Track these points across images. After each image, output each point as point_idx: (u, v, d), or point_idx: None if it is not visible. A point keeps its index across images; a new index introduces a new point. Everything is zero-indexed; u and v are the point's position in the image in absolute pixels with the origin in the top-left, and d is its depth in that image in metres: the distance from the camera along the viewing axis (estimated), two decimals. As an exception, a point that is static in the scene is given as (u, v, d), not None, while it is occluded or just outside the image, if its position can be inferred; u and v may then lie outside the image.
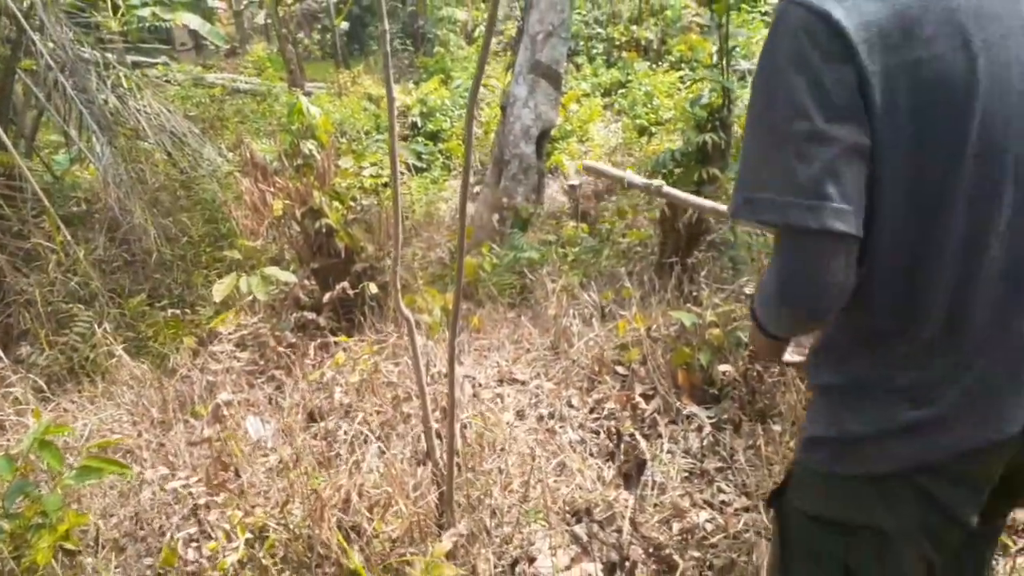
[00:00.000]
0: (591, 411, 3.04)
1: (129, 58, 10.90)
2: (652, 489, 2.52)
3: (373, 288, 4.37)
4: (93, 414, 3.80)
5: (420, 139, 10.80)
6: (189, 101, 10.50)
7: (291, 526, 2.17)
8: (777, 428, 2.65)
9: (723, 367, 2.79)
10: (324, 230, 4.66)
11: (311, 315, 4.71)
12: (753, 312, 1.29)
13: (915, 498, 1.18)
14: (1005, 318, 1.12)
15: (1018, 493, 1.29)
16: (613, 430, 2.76)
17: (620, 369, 3.25)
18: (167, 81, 10.59)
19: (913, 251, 1.08)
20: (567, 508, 2.38)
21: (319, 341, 4.05)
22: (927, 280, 1.10)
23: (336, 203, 4.79)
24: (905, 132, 1.03)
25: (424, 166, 10.65)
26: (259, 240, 4.57)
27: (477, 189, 10.55)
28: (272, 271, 3.96)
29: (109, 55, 6.87)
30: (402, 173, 10.29)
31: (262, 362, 3.94)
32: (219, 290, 3.81)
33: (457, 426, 2.39)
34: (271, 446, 3.21)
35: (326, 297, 4.65)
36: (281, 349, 4.10)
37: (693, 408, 2.80)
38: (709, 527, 2.30)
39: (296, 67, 14.15)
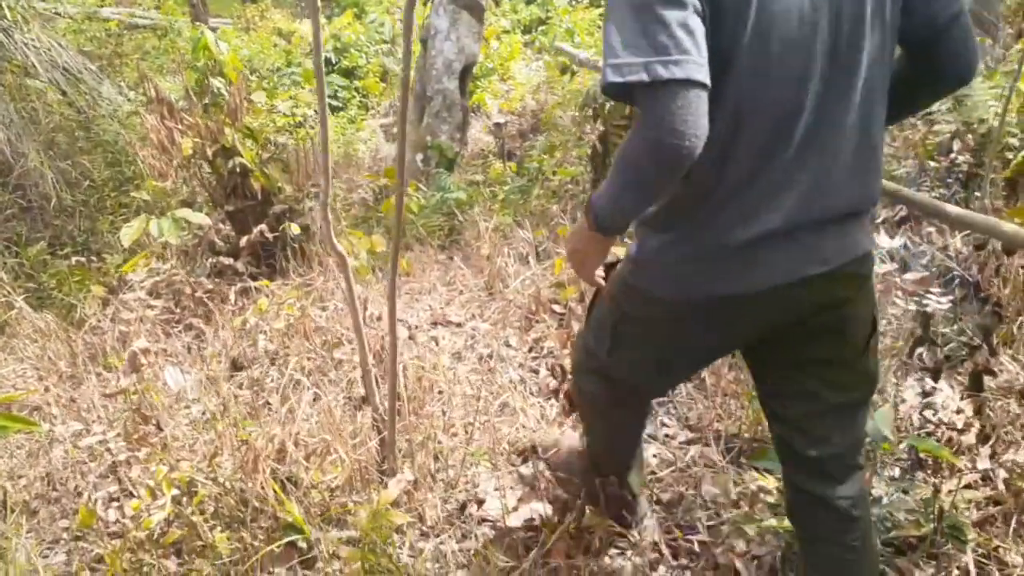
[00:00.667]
0: (530, 350, 2.97)
1: (11, -11, 10.04)
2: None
3: (295, 229, 4.16)
4: (-7, 370, 3.54)
5: (335, 76, 10.37)
6: (82, 35, 9.76)
7: (221, 479, 2.04)
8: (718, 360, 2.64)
9: None
10: (238, 170, 4.40)
11: (228, 260, 4.48)
12: (593, 212, 1.35)
13: (723, 322, 1.43)
14: (801, 168, 1.33)
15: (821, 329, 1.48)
16: (557, 368, 2.70)
17: (557, 308, 3.18)
18: (56, 14, 9.80)
19: (741, 104, 1.28)
20: (512, 448, 2.32)
21: (239, 287, 3.84)
22: (747, 132, 1.30)
23: (249, 142, 4.52)
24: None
25: (340, 105, 10.25)
26: (168, 182, 4.28)
27: (397, 129, 10.25)
28: (184, 213, 3.71)
29: (-14, -19, 6.27)
30: (314, 113, 9.89)
31: (178, 311, 3.72)
32: (127, 234, 3.54)
33: (399, 367, 2.29)
34: (193, 397, 3.04)
35: (243, 241, 4.42)
36: (199, 296, 3.88)
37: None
38: (655, 461, 2.28)
39: (198, 1, 13.33)
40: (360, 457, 2.05)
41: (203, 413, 2.75)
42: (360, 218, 5.09)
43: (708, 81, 1.17)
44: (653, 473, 2.24)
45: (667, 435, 2.40)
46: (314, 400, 2.53)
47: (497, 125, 6.72)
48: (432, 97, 6.05)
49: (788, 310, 1.42)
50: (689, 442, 2.36)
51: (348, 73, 10.57)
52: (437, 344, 3.23)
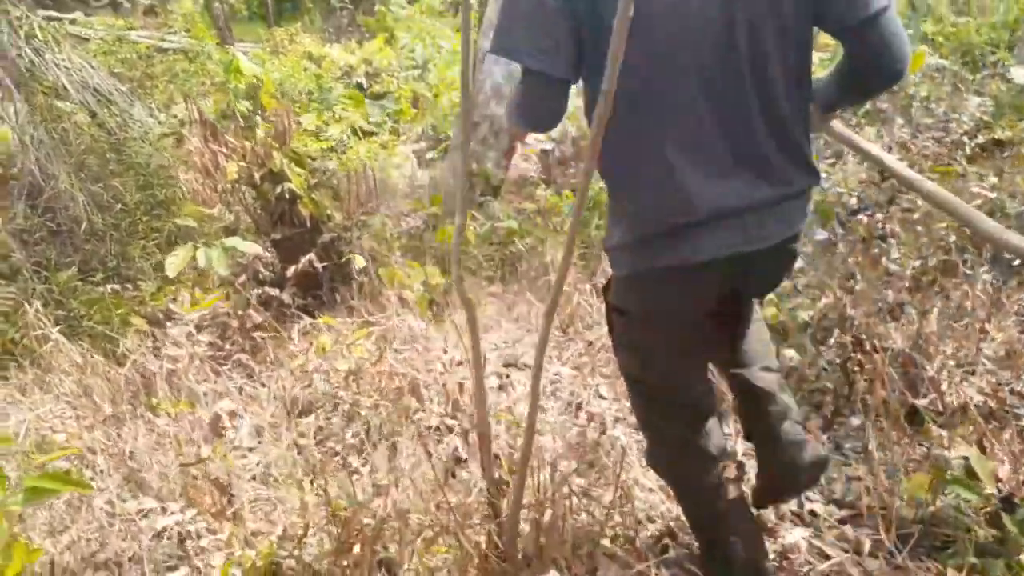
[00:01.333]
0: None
1: (39, 13, 9.92)
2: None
3: (360, 262, 3.88)
4: (27, 408, 3.26)
5: (367, 101, 10.19)
6: (113, 57, 9.61)
7: (310, 560, 1.75)
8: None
9: (787, 351, 2.45)
10: (287, 196, 4.15)
11: (274, 291, 4.21)
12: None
13: (683, 288, 1.57)
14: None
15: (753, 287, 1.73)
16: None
17: None
18: (85, 38, 9.68)
19: (637, 100, 1.43)
20: (648, 535, 1.99)
21: (302, 323, 3.56)
22: (652, 127, 1.46)
23: (297, 166, 4.28)
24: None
25: (372, 130, 10.06)
26: (214, 207, 4.03)
27: (431, 155, 10.03)
28: (234, 242, 3.45)
29: (17, 3, 6.10)
30: (348, 137, 9.70)
31: (226, 346, 3.44)
32: (173, 264, 3.28)
33: (500, 428, 2.00)
34: (249, 445, 2.75)
35: (290, 271, 4.16)
36: (248, 329, 3.61)
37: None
38: (803, 546, 1.97)
39: (224, 25, 13.23)
40: (479, 538, 1.74)
41: (265, 468, 2.45)
42: (411, 247, 4.82)
43: (568, 76, 1.43)
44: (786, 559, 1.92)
45: (811, 511, 2.09)
46: (395, 458, 2.23)
47: (544, 152, 6.47)
48: (479, 122, 5.81)
49: (721, 281, 1.58)
50: (842, 521, 2.04)
51: (379, 98, 10.38)
52: (511, 391, 2.94)
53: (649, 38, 1.37)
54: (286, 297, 4.22)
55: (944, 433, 2.23)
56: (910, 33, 8.87)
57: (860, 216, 3.35)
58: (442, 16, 12.51)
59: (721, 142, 1.45)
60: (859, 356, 2.30)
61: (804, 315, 2.58)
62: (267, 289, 4.19)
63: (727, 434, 2.34)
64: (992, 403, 2.37)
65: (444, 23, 12.05)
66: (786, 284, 2.76)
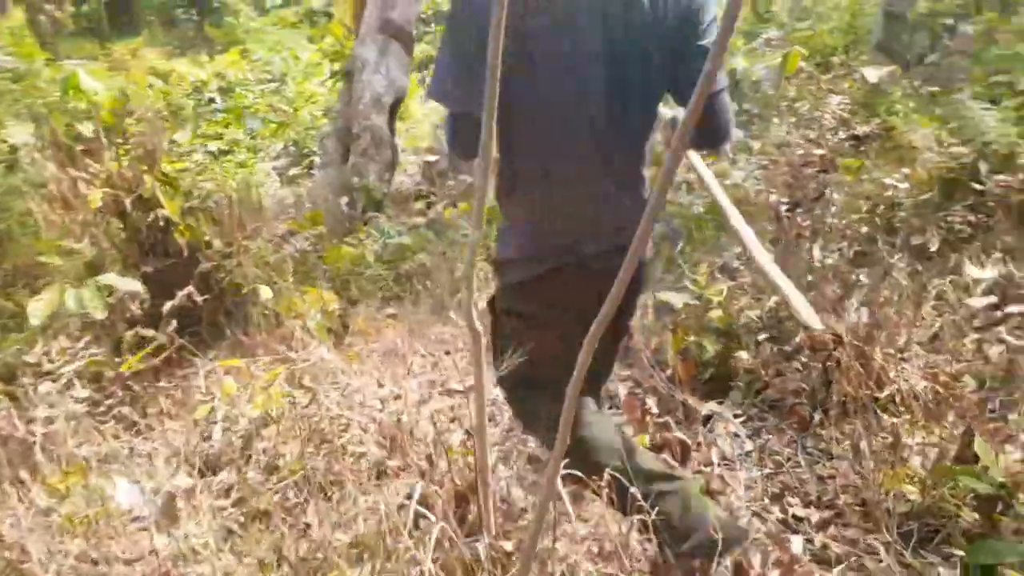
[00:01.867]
0: None
1: None
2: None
3: (266, 292, 3.51)
4: None
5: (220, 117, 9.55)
6: (-82, 78, 8.49)
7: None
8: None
9: (741, 353, 2.37)
10: (160, 223, 3.71)
11: (148, 332, 3.75)
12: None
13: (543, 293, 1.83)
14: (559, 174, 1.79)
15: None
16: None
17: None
18: None
19: (509, 122, 1.64)
20: None
21: (201, 364, 3.16)
22: (519, 142, 1.76)
23: (169, 189, 3.85)
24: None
25: (227, 147, 9.46)
26: (77, 240, 3.52)
27: (294, 171, 9.53)
28: (109, 278, 3.02)
29: None
30: (204, 157, 9.06)
31: (107, 400, 3.00)
32: (39, 311, 2.82)
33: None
34: (151, 517, 2.36)
35: (166, 307, 3.71)
36: (127, 378, 3.17)
37: (711, 406, 2.35)
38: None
39: (51, 41, 12.10)
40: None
41: (172, 540, 2.10)
42: (297, 272, 4.45)
43: (474, 110, 1.49)
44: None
45: (795, 516, 2.00)
46: (342, 522, 1.94)
47: (428, 163, 6.23)
48: (359, 134, 5.52)
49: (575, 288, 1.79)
50: (826, 522, 1.96)
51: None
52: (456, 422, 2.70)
53: (531, 80, 1.68)
54: (162, 337, 3.77)
55: (904, 419, 2.21)
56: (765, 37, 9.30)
57: (788, 214, 3.37)
58: (296, 27, 11.98)
59: (569, 185, 1.78)
60: (822, 353, 2.25)
61: (752, 314, 2.52)
62: (140, 330, 3.73)
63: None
64: (938, 387, 2.38)
65: (299, 34, 11.54)
66: (733, 285, 2.70)
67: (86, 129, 5.74)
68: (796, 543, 1.81)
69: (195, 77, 9.57)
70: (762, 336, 2.46)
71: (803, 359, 2.41)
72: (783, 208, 3.25)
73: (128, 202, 3.53)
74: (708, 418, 2.33)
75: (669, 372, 2.50)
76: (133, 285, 3.10)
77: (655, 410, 2.25)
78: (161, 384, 3.34)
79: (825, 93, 6.23)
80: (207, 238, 3.95)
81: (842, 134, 6.13)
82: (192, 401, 3.02)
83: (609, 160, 1.77)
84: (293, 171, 9.22)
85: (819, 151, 4.61)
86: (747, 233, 2.03)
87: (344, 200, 5.64)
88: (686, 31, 1.67)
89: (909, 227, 3.37)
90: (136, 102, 9.02)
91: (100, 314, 2.90)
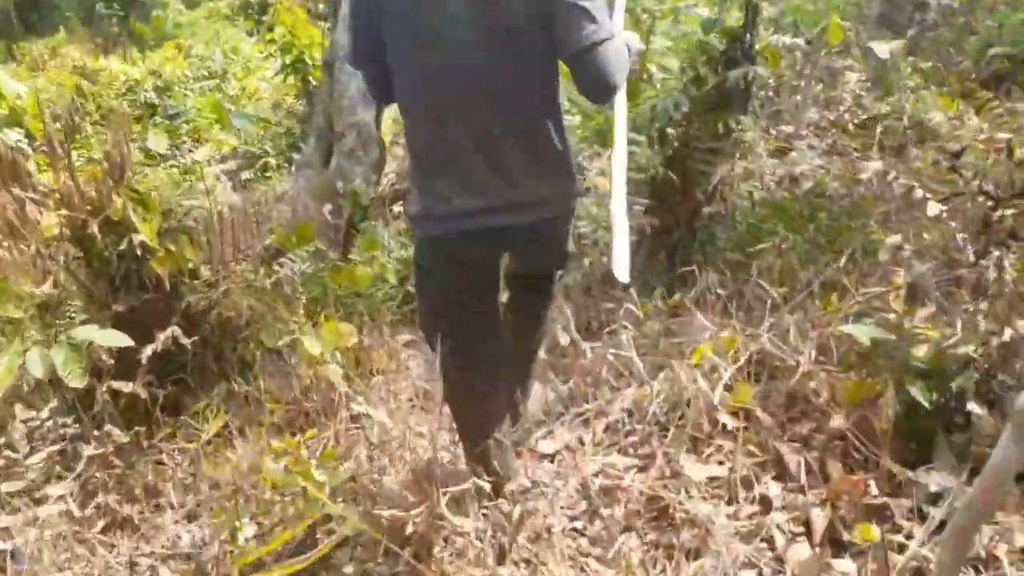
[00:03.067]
0: (751, 515, 1.89)
1: None
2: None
3: (271, 335, 2.82)
4: None
5: (158, 120, 8.63)
6: None
7: None
8: None
9: (972, 406, 1.80)
10: (138, 252, 2.98)
11: (123, 385, 3.01)
12: None
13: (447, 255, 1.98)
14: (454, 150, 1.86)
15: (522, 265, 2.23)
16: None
17: (728, 421, 2.14)
18: None
19: (403, 104, 1.94)
20: None
21: (205, 440, 2.47)
22: (403, 104, 1.94)
23: (144, 209, 3.11)
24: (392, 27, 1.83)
25: (168, 153, 8.56)
26: (30, 279, 2.76)
27: (247, 175, 8.68)
28: (88, 333, 2.30)
29: None
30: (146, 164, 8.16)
31: (100, 495, 2.28)
32: (-6, 380, 2.09)
33: None
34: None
35: (144, 353, 2.98)
36: (110, 457, 2.45)
37: (936, 478, 1.78)
38: None
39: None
40: None
41: None
42: (311, 297, 3.74)
43: (364, 68, 1.99)
44: None
45: None
46: None
47: None
48: (344, 133, 4.82)
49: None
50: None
51: (173, 116, 8.87)
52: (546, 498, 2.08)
53: (405, 52, 1.84)
54: (141, 390, 3.04)
55: None
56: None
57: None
58: (231, 21, 11.02)
59: (459, 150, 1.83)
60: None
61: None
62: (112, 383, 2.99)
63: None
64: None
65: (235, 28, 10.59)
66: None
67: (9, 138, 4.94)
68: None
69: (127, 76, 8.61)
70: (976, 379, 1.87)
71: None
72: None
73: (95, 226, 2.78)
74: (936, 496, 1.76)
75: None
76: (120, 339, 2.38)
77: (874, 490, 1.69)
78: (149, 453, 2.64)
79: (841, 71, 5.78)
80: (191, 266, 3.23)
81: (863, 115, 5.73)
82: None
83: (491, 128, 1.81)
84: (246, 175, 8.41)
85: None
86: (620, 177, 1.95)
87: (328, 208, 4.94)
88: None
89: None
90: (60, 105, 8.08)
91: (78, 381, 2.18)
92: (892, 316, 1.88)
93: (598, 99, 1.89)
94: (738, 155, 2.89)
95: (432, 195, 1.88)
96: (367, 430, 2.42)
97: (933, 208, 2.39)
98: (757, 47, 2.79)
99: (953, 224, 2.41)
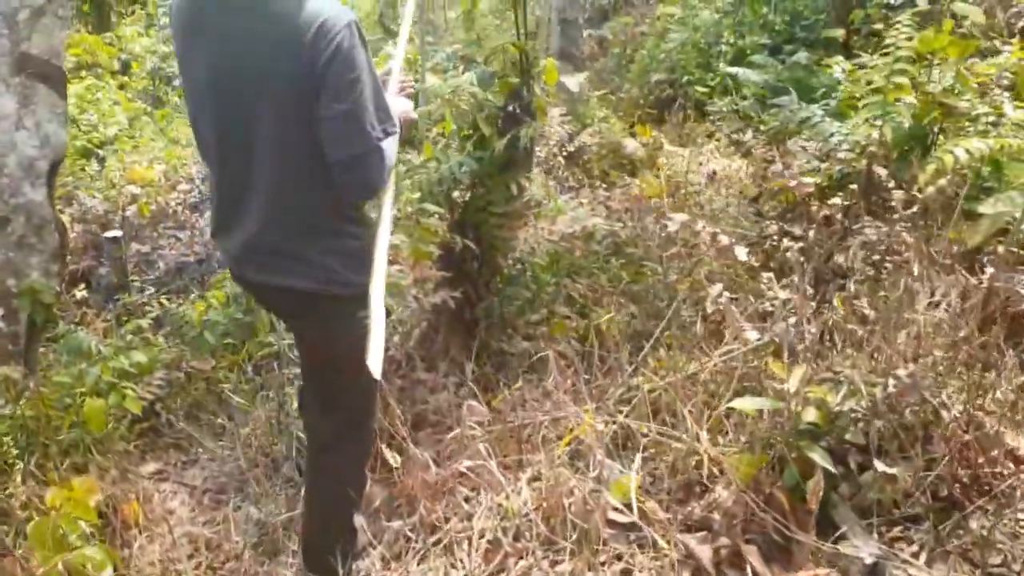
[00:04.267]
0: None
1: None
2: None
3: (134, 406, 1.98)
4: None
5: None
6: None
7: None
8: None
9: (882, 466, 1.73)
10: None
11: None
12: None
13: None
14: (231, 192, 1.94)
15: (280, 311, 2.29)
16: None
17: (619, 518, 1.90)
18: None
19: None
20: None
21: None
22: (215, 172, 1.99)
23: None
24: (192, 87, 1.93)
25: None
26: None
27: None
28: None
29: None
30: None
31: None
32: None
33: None
34: None
35: None
36: None
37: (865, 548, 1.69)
38: None
39: None
40: None
41: None
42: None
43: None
44: None
45: None
46: None
47: (109, 241, 4.56)
48: (8, 217, 3.83)
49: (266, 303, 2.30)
50: None
51: None
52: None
53: (193, 104, 1.93)
54: None
55: None
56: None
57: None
58: None
59: (237, 200, 1.91)
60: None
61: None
62: None
63: None
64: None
65: None
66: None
67: None
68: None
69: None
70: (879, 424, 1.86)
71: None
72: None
73: None
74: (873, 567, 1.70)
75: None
76: None
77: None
78: None
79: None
80: None
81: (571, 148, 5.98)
82: None
83: (247, 190, 1.85)
84: None
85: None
86: (381, 261, 1.91)
87: (-2, 313, 3.90)
88: (320, 91, 1.70)
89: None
90: None
91: None
92: (770, 381, 1.81)
93: (358, 200, 1.94)
94: (532, 215, 2.73)
95: (225, 244, 2.06)
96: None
97: (741, 252, 2.44)
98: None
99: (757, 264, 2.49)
